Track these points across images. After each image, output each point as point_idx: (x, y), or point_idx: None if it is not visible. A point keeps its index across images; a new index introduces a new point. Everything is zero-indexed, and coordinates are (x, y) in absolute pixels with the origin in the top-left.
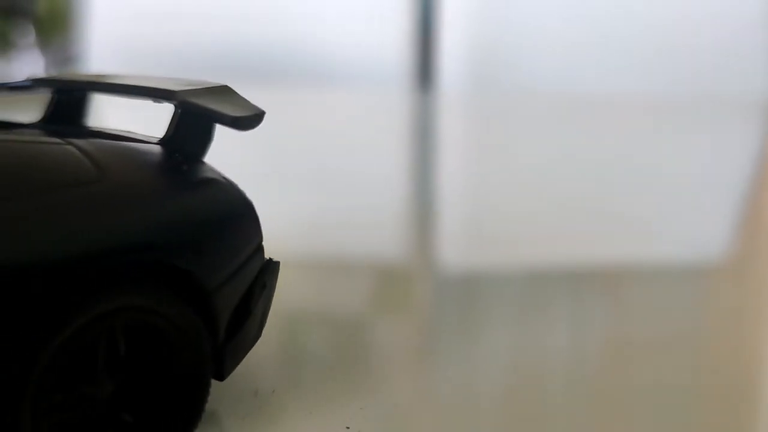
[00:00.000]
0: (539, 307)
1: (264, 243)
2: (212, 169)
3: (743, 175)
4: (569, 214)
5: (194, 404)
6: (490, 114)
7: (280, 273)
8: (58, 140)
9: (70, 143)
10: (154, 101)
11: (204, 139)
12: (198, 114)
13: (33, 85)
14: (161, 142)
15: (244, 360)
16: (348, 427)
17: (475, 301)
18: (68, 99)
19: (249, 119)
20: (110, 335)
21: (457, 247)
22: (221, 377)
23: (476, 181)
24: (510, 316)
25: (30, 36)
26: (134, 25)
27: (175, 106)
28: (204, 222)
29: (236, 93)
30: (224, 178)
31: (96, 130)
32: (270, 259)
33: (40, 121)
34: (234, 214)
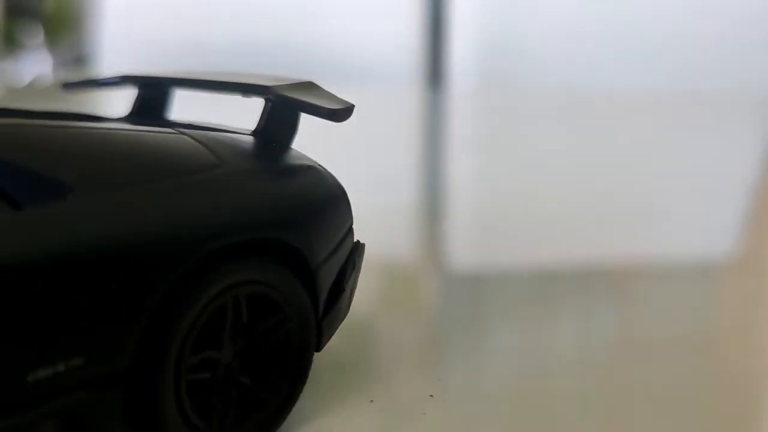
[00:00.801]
0: (548, 305)
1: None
2: (306, 157)
3: (753, 171)
4: (578, 212)
5: (301, 371)
6: (500, 111)
7: None
8: (171, 130)
9: (183, 133)
10: (243, 96)
11: (291, 130)
12: (288, 107)
13: (122, 81)
14: (254, 133)
15: None
16: (432, 395)
17: (486, 297)
18: (153, 95)
19: (344, 111)
20: (235, 305)
21: (466, 243)
22: (318, 348)
23: (486, 178)
24: (519, 314)
25: (38, 36)
26: (144, 24)
27: (269, 100)
28: (309, 204)
29: (321, 87)
30: (319, 164)
31: (189, 122)
32: (358, 241)
33: (129, 115)
34: (332, 197)
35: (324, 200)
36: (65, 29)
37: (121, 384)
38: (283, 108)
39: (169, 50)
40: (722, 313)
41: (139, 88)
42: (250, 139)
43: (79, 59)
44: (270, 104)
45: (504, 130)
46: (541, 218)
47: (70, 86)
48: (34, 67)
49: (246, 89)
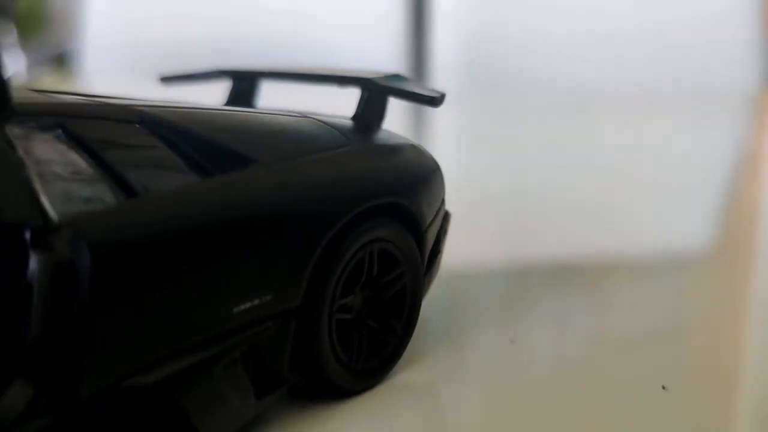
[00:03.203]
0: (525, 301)
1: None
2: (404, 137)
3: (726, 167)
4: (556, 209)
5: (413, 317)
6: (482, 110)
7: None
8: (297, 114)
9: (306, 117)
10: (339, 86)
11: (382, 115)
12: (384, 95)
13: (219, 74)
14: (353, 118)
15: None
16: (512, 341)
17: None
18: (246, 86)
19: (440, 98)
20: (370, 259)
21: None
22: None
23: (468, 175)
24: (496, 310)
25: (10, 35)
26: (128, 24)
27: (369, 89)
28: (418, 175)
29: (409, 78)
30: (417, 143)
31: (293, 110)
32: (447, 211)
33: (225, 104)
34: (433, 169)
35: (428, 172)
36: (38, 28)
37: (295, 319)
38: (378, 96)
39: (154, 49)
40: (696, 307)
41: (234, 81)
42: (352, 122)
43: (55, 58)
44: (366, 93)
45: (486, 128)
46: (520, 215)
47: (167, 80)
48: (7, 65)
49: (343, 80)
